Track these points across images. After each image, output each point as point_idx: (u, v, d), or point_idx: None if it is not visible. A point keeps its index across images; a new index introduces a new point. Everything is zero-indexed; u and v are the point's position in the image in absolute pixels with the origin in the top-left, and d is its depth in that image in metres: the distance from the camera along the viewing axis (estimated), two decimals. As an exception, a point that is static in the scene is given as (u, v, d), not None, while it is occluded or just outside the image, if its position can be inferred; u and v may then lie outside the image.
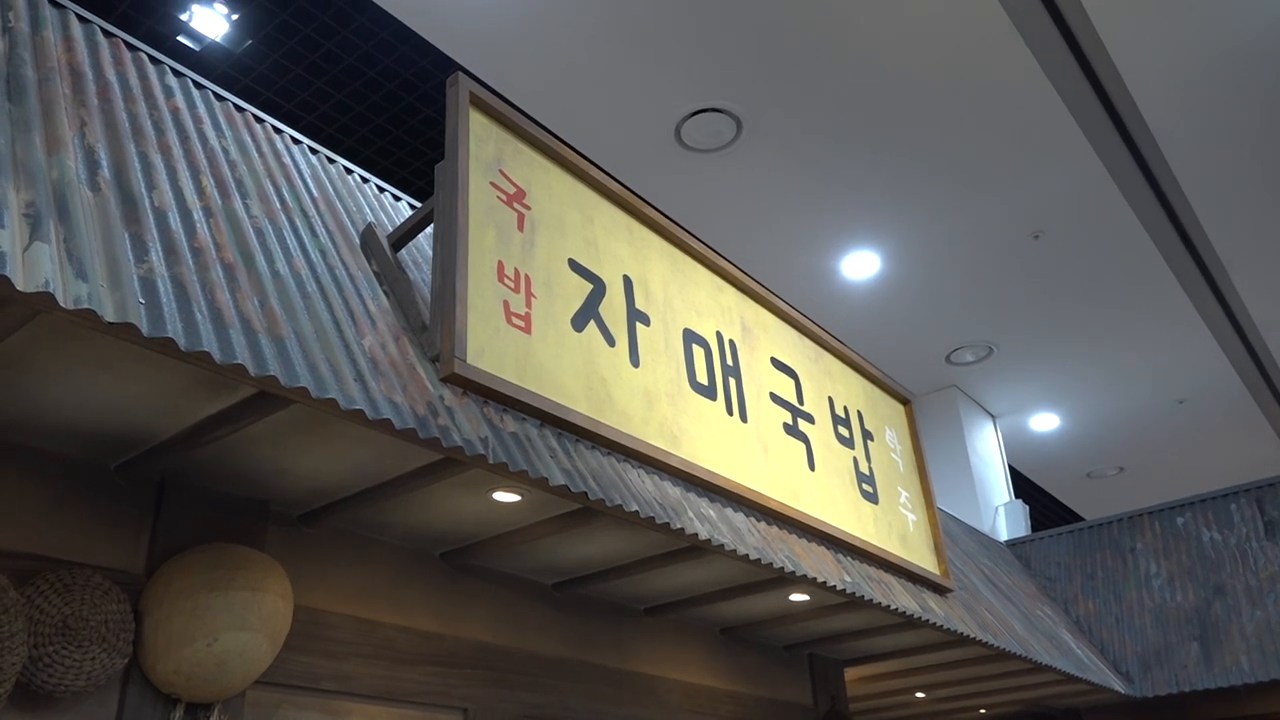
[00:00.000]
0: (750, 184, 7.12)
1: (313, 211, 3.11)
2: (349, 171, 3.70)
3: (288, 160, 3.30)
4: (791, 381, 4.50)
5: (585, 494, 2.86)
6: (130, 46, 3.10)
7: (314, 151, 3.57)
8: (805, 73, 6.10)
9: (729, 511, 3.65)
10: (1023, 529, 9.48)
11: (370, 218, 3.42)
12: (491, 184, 3.21)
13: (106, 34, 3.05)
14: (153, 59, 3.15)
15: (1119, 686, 6.68)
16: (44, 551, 2.57)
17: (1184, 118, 6.43)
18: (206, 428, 2.59)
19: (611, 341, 3.43)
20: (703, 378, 3.85)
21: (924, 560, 4.97)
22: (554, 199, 3.48)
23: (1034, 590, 7.58)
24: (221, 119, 3.17)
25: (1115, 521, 8.12)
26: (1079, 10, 5.61)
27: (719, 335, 4.09)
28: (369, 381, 2.47)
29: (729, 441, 3.84)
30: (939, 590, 5.00)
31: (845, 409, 4.89)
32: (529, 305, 3.12)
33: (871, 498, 4.75)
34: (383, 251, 3.16)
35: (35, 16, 2.77)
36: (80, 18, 3.00)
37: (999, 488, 10.10)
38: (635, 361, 3.50)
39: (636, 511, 3.01)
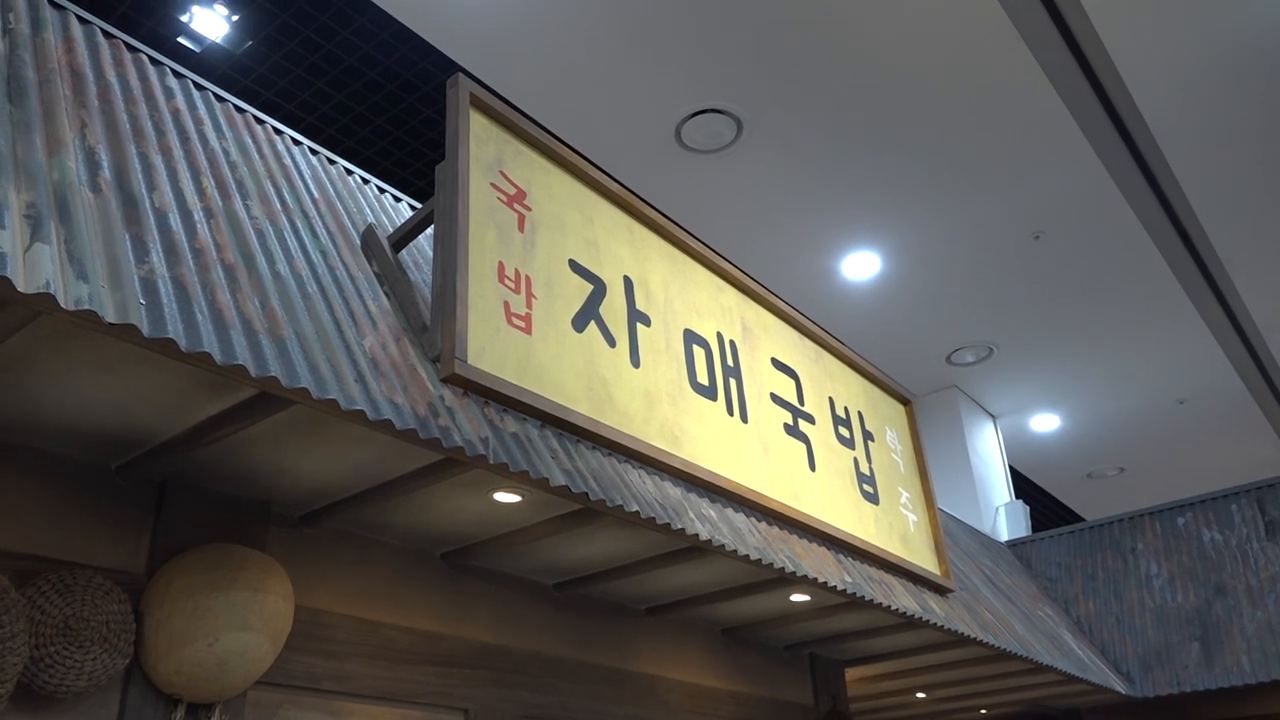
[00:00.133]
0: (750, 184, 7.12)
1: (313, 212, 3.11)
2: (349, 172, 3.70)
3: (288, 161, 3.31)
4: (792, 382, 4.50)
5: (586, 494, 2.86)
6: (131, 48, 3.10)
7: (314, 153, 3.58)
8: (805, 73, 6.10)
9: (730, 512, 3.65)
10: (1023, 529, 9.48)
11: (371, 218, 3.42)
12: (492, 185, 3.21)
13: (107, 35, 3.05)
14: (153, 60, 3.15)
15: (1120, 687, 6.68)
16: (45, 552, 2.57)
17: (1184, 117, 6.44)
18: (207, 428, 2.59)
19: (612, 342, 3.43)
20: (703, 378, 3.85)
21: (925, 561, 4.97)
22: (554, 200, 3.49)
23: (1035, 590, 7.58)
24: (222, 120, 3.18)
25: (1116, 522, 8.12)
26: (1079, 10, 5.61)
27: (719, 336, 4.09)
28: (370, 382, 2.47)
29: (730, 442, 3.84)
30: (940, 590, 5.00)
31: (846, 409, 4.89)
32: (529, 306, 3.13)
33: (872, 498, 4.75)
34: (383, 252, 3.16)
35: (36, 18, 2.77)
36: (80, 19, 3.01)
37: (999, 488, 10.10)
38: (636, 362, 3.51)
39: (637, 512, 3.01)
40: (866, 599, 4.08)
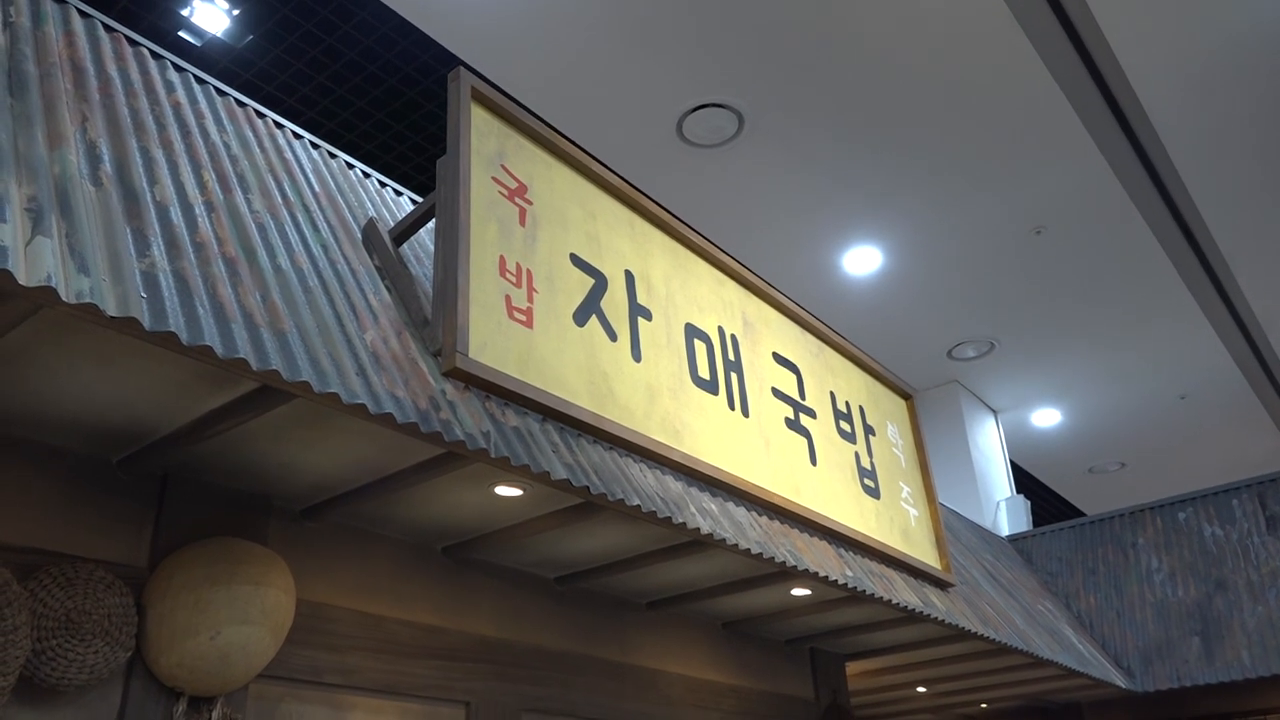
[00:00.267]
0: (752, 179, 7.11)
1: (314, 206, 3.11)
2: (350, 166, 3.70)
3: (289, 155, 3.30)
4: (793, 376, 4.50)
5: (587, 488, 2.86)
6: (131, 42, 3.10)
7: (315, 146, 3.58)
8: (807, 68, 6.09)
9: (730, 506, 3.65)
10: (1024, 524, 9.49)
11: (372, 212, 3.42)
12: (493, 179, 3.21)
13: (108, 29, 3.05)
14: (154, 54, 3.15)
15: (1120, 681, 6.69)
16: (47, 545, 2.57)
17: (1187, 112, 6.42)
18: (209, 422, 2.60)
19: (613, 336, 3.43)
20: (704, 372, 3.85)
21: (925, 555, 4.98)
22: (556, 194, 3.48)
23: (1035, 585, 7.58)
24: (223, 114, 3.17)
25: (1117, 516, 8.12)
26: (1081, 4, 5.60)
27: (721, 330, 4.09)
28: (371, 376, 2.47)
29: (731, 436, 3.84)
30: (940, 585, 5.01)
31: (847, 404, 4.89)
32: (531, 300, 3.12)
33: (873, 492, 4.76)
34: (384, 246, 3.16)
35: (36, 11, 2.77)
36: (81, 13, 3.00)
37: (1000, 483, 10.11)
38: (637, 356, 3.51)
39: (638, 506, 3.02)
40: (867, 593, 4.08)
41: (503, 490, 3.14)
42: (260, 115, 3.40)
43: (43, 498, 2.62)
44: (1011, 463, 10.71)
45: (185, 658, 2.60)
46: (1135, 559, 7.71)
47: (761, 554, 3.51)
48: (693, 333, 3.90)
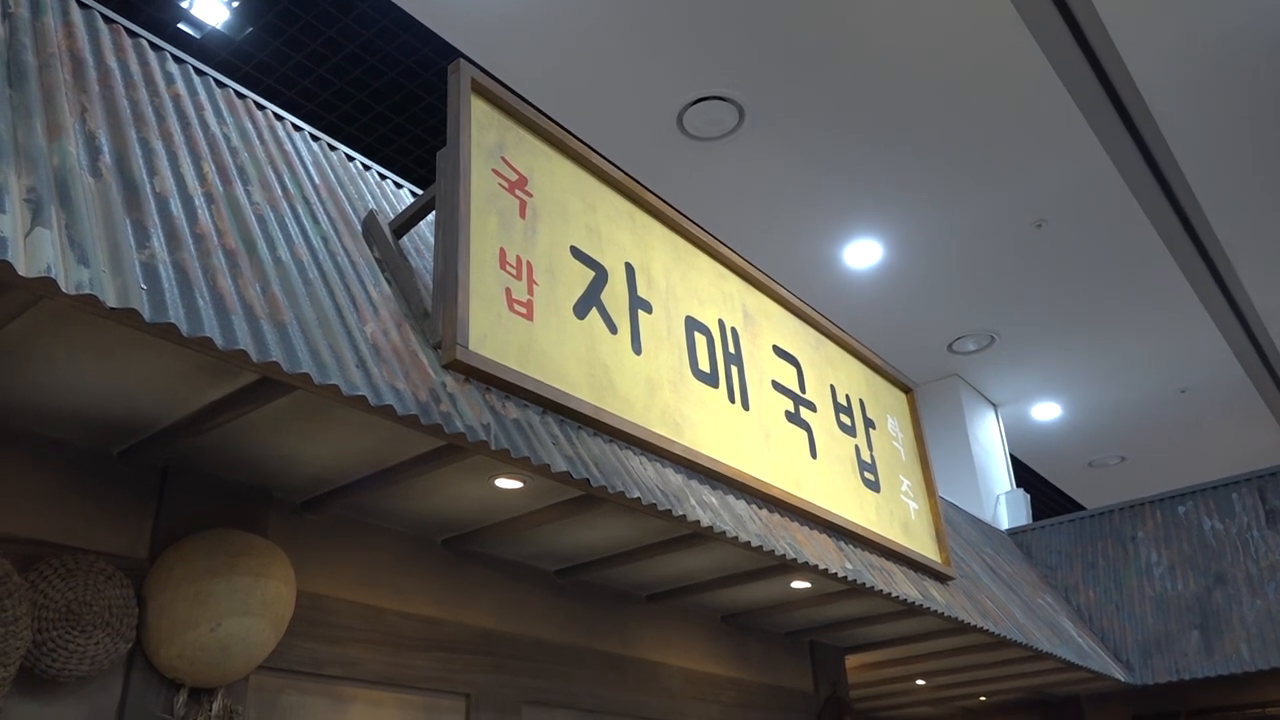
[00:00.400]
0: (752, 172, 7.10)
1: (314, 198, 3.11)
2: (350, 159, 3.70)
3: (289, 147, 3.30)
4: (793, 369, 4.50)
5: (587, 481, 2.86)
6: (131, 33, 3.09)
7: (315, 139, 3.57)
8: (808, 61, 6.08)
9: (730, 499, 3.65)
10: (1024, 518, 9.49)
11: (372, 205, 3.42)
12: (493, 171, 3.20)
13: (107, 20, 3.04)
14: (153, 46, 3.14)
15: (1119, 674, 6.70)
16: (47, 537, 2.58)
17: (1189, 106, 6.41)
18: (208, 414, 2.59)
19: (614, 329, 3.43)
20: (705, 365, 3.85)
21: (925, 548, 4.98)
22: (556, 186, 3.48)
23: (1035, 578, 7.59)
24: (222, 105, 3.17)
25: (1116, 510, 8.13)
26: (1083, -3, 5.59)
27: (721, 323, 4.09)
28: (371, 368, 2.47)
29: (731, 429, 3.84)
30: (940, 578, 5.01)
31: (847, 397, 4.89)
32: (531, 292, 3.12)
33: (873, 485, 4.76)
34: (384, 238, 3.15)
35: (35, 2, 2.76)
36: (80, 4, 2.99)
37: (1000, 477, 10.11)
38: (637, 349, 3.50)
39: (638, 498, 3.02)
40: (867, 586, 4.09)
41: (503, 483, 3.14)
42: (260, 107, 3.40)
43: (43, 489, 2.62)
44: (1011, 456, 10.72)
45: (186, 649, 2.60)
46: (1135, 553, 7.72)
47: (761, 547, 3.51)
48: (693, 325, 3.89)
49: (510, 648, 3.72)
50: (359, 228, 3.19)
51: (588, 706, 3.97)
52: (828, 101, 6.41)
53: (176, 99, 2.94)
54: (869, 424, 5.00)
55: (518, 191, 3.27)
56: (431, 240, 3.42)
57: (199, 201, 2.53)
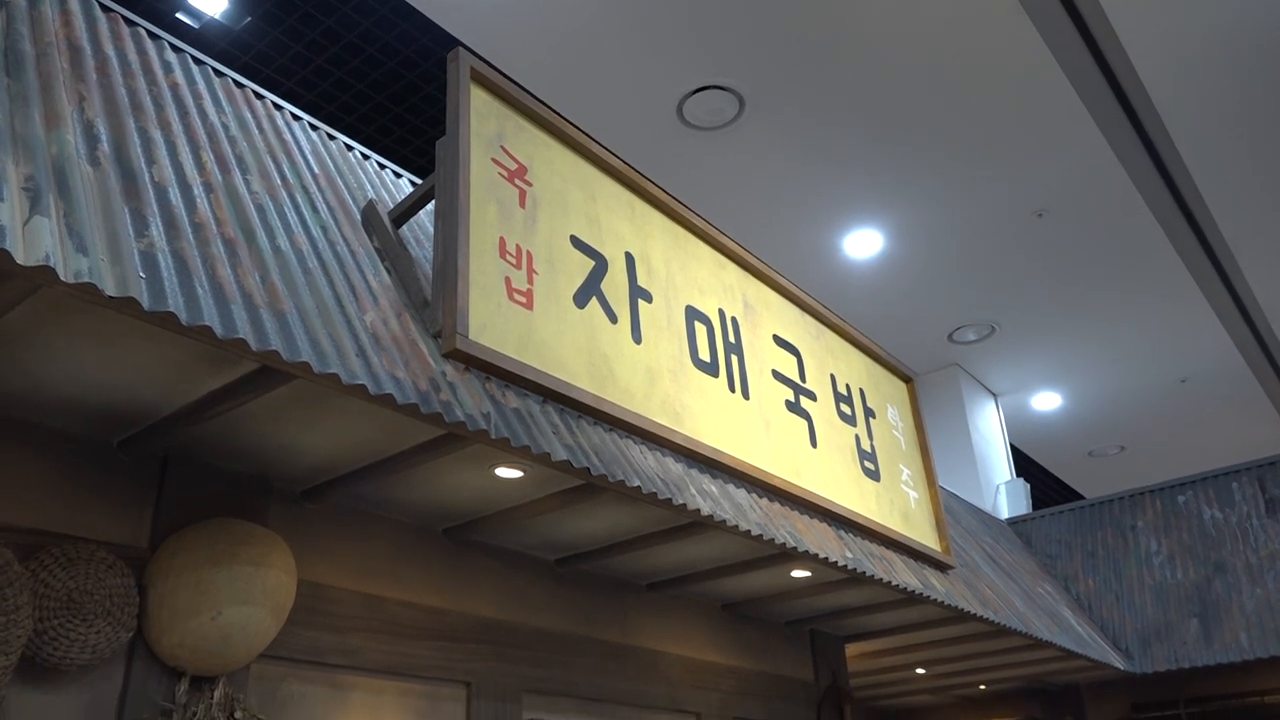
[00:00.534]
0: (752, 162, 7.08)
1: (313, 188, 3.10)
2: (349, 148, 3.69)
3: (288, 136, 3.29)
4: (794, 359, 4.50)
5: (588, 470, 2.86)
6: (128, 22, 3.08)
7: (314, 128, 3.56)
8: (808, 50, 6.06)
9: (731, 488, 3.66)
10: (1024, 507, 9.50)
11: (371, 194, 3.41)
12: (493, 160, 3.19)
13: (104, 9, 3.03)
14: (151, 35, 3.13)
15: (1118, 663, 6.71)
16: (48, 526, 2.58)
17: (1191, 95, 6.39)
18: (208, 403, 2.60)
19: (614, 318, 3.43)
20: (705, 354, 3.85)
21: (925, 537, 4.99)
22: (556, 175, 3.47)
23: (1035, 568, 7.60)
24: (221, 95, 3.16)
25: (1116, 500, 8.13)
26: (1084, -15, 5.57)
27: (721, 312, 4.09)
28: (371, 357, 2.47)
29: (731, 418, 3.84)
30: (940, 567, 5.02)
31: (847, 386, 4.89)
32: (531, 281, 3.12)
33: (873, 475, 4.76)
34: (384, 228, 3.15)
35: (33, -10, 2.75)
36: (78, -8, 2.98)
37: (1000, 466, 10.12)
38: (637, 338, 3.50)
39: (638, 487, 3.02)
40: (867, 574, 4.09)
41: (503, 472, 3.15)
42: (259, 96, 3.39)
43: (43, 479, 2.63)
44: (1011, 446, 10.72)
45: (187, 638, 2.61)
46: (1135, 542, 7.73)
47: (762, 535, 3.51)
48: (693, 315, 3.89)
49: (511, 637, 3.73)
50: (358, 217, 3.18)
51: (588, 695, 3.98)
52: (828, 91, 6.40)
53: (175, 88, 2.93)
54: (869, 413, 5.00)
55: (517, 181, 3.27)
56: (431, 230, 3.41)
57: (198, 190, 2.53)
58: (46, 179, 2.07)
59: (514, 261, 3.08)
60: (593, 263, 3.45)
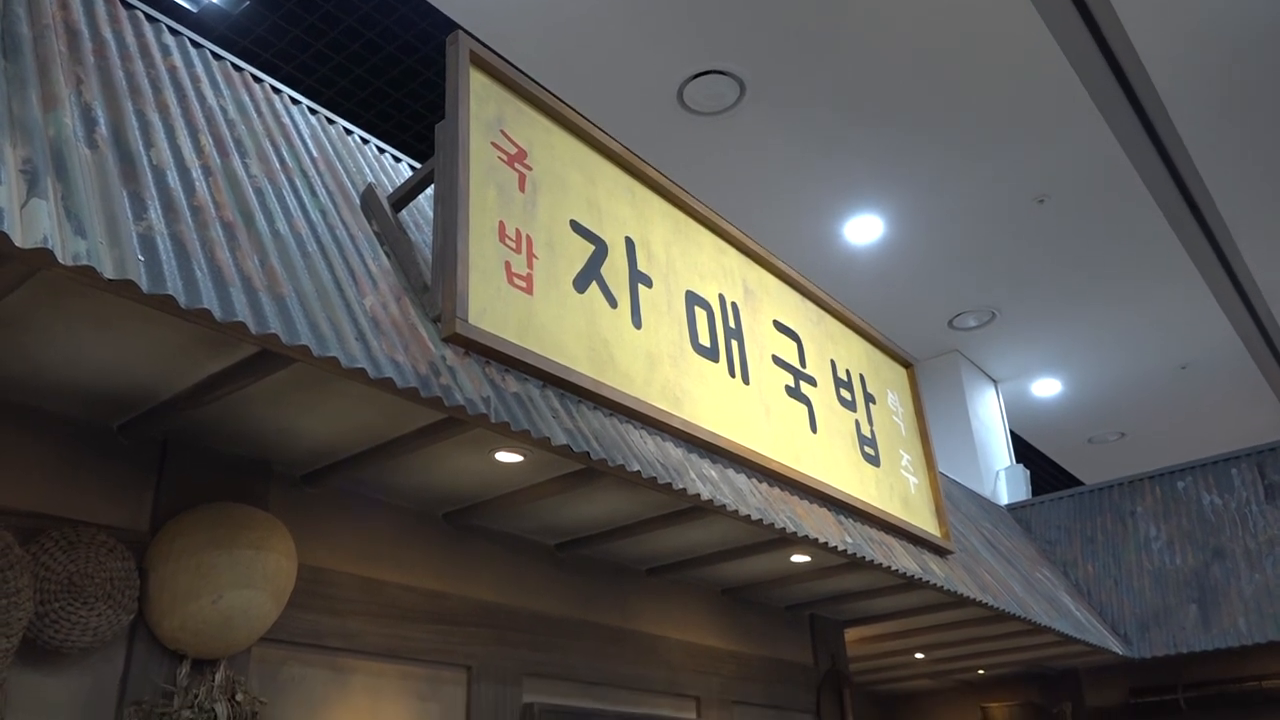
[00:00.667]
0: (753, 147, 7.06)
1: (312, 172, 3.09)
2: (349, 132, 3.68)
3: (287, 120, 3.28)
4: (794, 344, 4.49)
5: (587, 454, 2.87)
6: (126, 4, 3.07)
7: (313, 112, 3.55)
8: (809, 35, 6.03)
9: (730, 472, 3.66)
10: (1023, 493, 9.51)
11: (370, 178, 3.40)
12: (492, 144, 3.18)
13: (102, -9, 3.01)
14: (149, 17, 3.12)
15: (1117, 648, 6.74)
16: (48, 510, 2.58)
17: (1193, 80, 6.36)
18: (208, 387, 2.59)
19: (614, 303, 3.42)
20: (705, 340, 3.85)
21: (925, 522, 5.00)
22: (556, 159, 3.46)
23: (1034, 553, 7.62)
24: (219, 78, 3.15)
25: (1116, 485, 8.14)
26: (1087, -31, 5.54)
27: (721, 297, 4.08)
28: (370, 340, 2.47)
29: (731, 403, 3.84)
30: (939, 552, 5.03)
31: (847, 372, 4.89)
32: (530, 266, 3.11)
33: (873, 460, 4.76)
34: (383, 212, 3.14)
35: (29, -28, 2.73)
36: (75, -26, 2.96)
37: (1000, 452, 10.13)
38: (637, 323, 3.50)
39: (638, 472, 3.02)
40: (867, 559, 4.10)
41: (503, 456, 3.15)
42: (257, 80, 3.37)
43: (43, 463, 2.63)
44: (1011, 432, 10.73)
45: (188, 621, 2.62)
46: (1134, 527, 7.74)
47: (761, 520, 3.52)
48: (693, 300, 3.89)
49: (511, 621, 3.74)
50: (357, 201, 3.17)
51: (588, 679, 3.99)
52: (829, 76, 6.37)
53: (173, 71, 2.92)
54: (869, 399, 5.01)
55: (517, 164, 3.26)
56: (430, 214, 3.40)
57: (196, 174, 2.52)
58: (44, 161, 2.06)
59: (514, 246, 3.08)
60: (593, 247, 3.44)
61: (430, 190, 3.39)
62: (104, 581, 2.52)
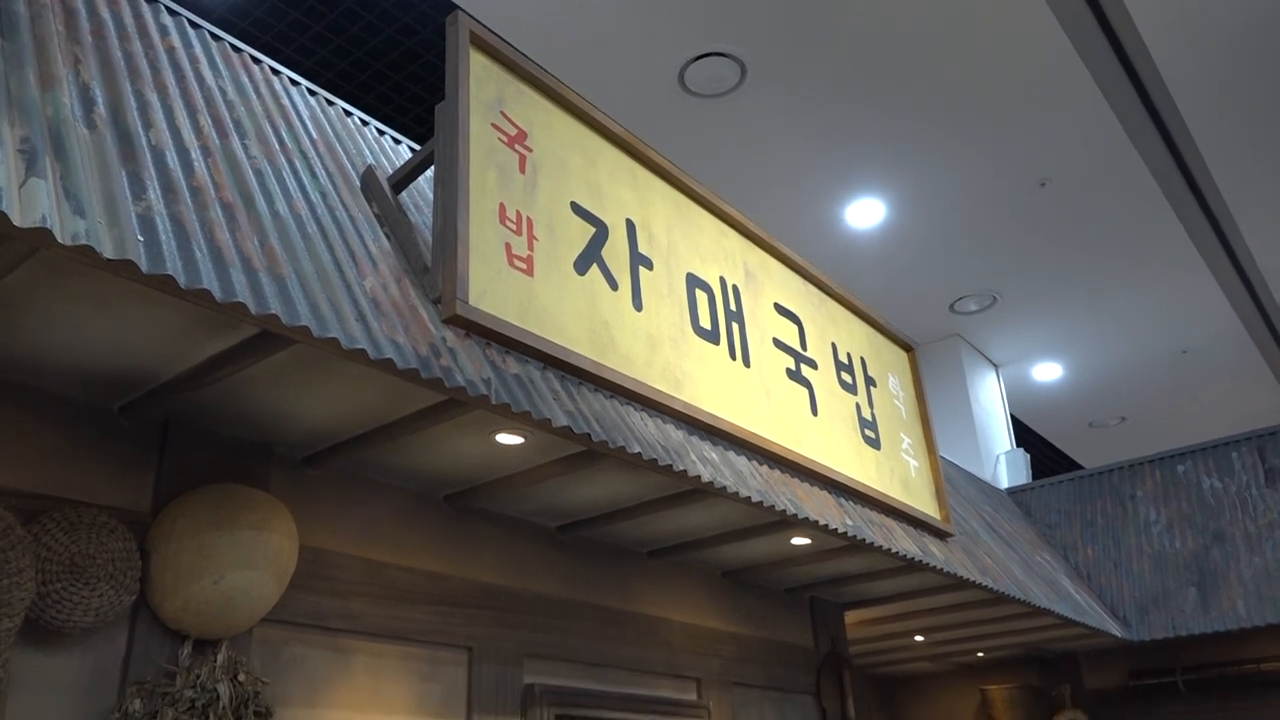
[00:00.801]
0: (754, 130, 7.04)
1: (312, 153, 3.08)
2: (348, 114, 3.66)
3: (286, 101, 3.26)
4: (795, 327, 4.49)
5: (588, 436, 2.87)
6: (124, -16, 3.05)
7: (312, 93, 3.53)
8: (810, 16, 6.00)
9: (731, 455, 3.66)
10: (1024, 477, 9.53)
11: (370, 160, 3.39)
12: (493, 125, 3.17)
13: (99, -30, 2.99)
14: (147, -2, 3.10)
15: (1116, 630, 6.76)
16: (50, 491, 2.59)
17: (1195, 63, 6.33)
18: (208, 368, 2.59)
19: (614, 285, 3.42)
20: (706, 322, 3.84)
21: (925, 505, 5.00)
22: (556, 141, 3.45)
23: (1034, 537, 7.64)
24: (218, 59, 3.13)
25: (1116, 469, 8.15)
26: (1091, -51, 5.50)
27: (722, 280, 4.07)
28: (370, 322, 2.46)
29: (732, 386, 3.84)
30: (939, 535, 5.04)
31: (848, 355, 4.88)
32: (531, 248, 3.11)
33: (874, 443, 4.77)
34: (383, 193, 3.13)
35: (26, -49, 2.71)
36: (72, -47, 2.94)
37: (1000, 436, 10.14)
38: (638, 305, 3.49)
39: (639, 454, 3.02)
40: (867, 542, 4.11)
41: (504, 438, 3.15)
42: (256, 61, 3.35)
43: (44, 443, 2.63)
44: (1012, 416, 10.73)
45: (190, 602, 2.63)
46: (1134, 511, 7.75)
47: (762, 502, 3.53)
48: (694, 282, 3.88)
49: (512, 602, 3.75)
50: (357, 183, 3.16)
51: (589, 660, 4.01)
52: (830, 59, 6.34)
53: (171, 51, 2.91)
54: (870, 382, 5.00)
55: (517, 146, 3.25)
56: (430, 196, 3.39)
57: (195, 154, 2.51)
58: (42, 141, 2.05)
59: (514, 227, 3.07)
60: (593, 229, 3.43)
61: (430, 172, 3.38)
62: (106, 562, 2.53)
